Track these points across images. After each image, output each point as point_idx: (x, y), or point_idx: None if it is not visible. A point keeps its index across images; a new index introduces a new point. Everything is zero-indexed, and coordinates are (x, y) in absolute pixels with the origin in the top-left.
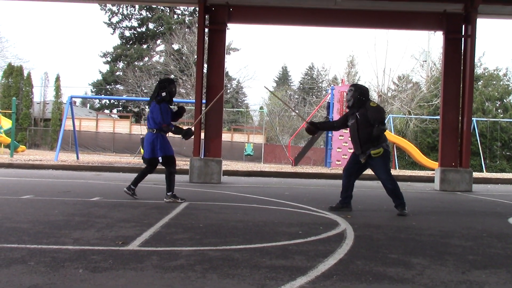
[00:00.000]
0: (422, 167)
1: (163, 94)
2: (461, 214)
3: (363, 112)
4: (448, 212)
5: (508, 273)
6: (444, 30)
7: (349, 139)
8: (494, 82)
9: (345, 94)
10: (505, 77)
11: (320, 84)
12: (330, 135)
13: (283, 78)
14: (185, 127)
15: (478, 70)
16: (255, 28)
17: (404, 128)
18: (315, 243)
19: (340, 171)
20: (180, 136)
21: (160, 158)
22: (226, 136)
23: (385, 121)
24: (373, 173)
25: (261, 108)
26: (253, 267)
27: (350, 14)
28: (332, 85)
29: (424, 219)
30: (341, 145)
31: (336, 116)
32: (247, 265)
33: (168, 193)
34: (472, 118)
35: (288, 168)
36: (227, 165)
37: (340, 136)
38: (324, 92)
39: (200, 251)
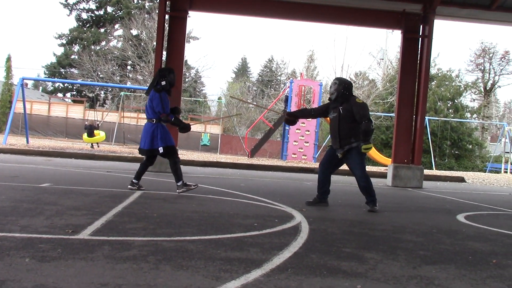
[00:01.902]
0: (376, 163)
1: (163, 83)
2: (412, 210)
3: (347, 107)
4: (400, 208)
5: (457, 269)
6: (402, 30)
7: (306, 132)
8: (446, 83)
9: (329, 89)
10: (457, 78)
11: (279, 77)
12: (287, 128)
13: (242, 70)
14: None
15: (432, 71)
16: (216, 17)
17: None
18: (270, 235)
19: (296, 164)
20: (177, 128)
21: (160, 149)
22: None
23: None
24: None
25: (219, 98)
26: (208, 259)
27: (312, 8)
28: (291, 78)
29: (377, 214)
30: (298, 138)
31: (294, 110)
32: (201, 256)
33: (178, 184)
34: (425, 117)
35: (244, 160)
36: (183, 154)
37: (297, 129)
38: (282, 85)
39: (153, 241)
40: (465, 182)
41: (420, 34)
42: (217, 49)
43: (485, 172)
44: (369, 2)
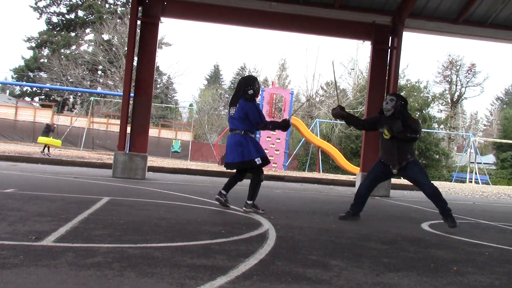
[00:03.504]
0: (345, 172)
1: (250, 92)
2: (378, 218)
3: (403, 122)
4: (367, 216)
5: (419, 276)
6: (372, 41)
7: (277, 140)
8: (415, 94)
9: (384, 103)
10: (425, 89)
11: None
12: (258, 136)
13: (215, 77)
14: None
15: (402, 81)
16: (189, 24)
17: (329, 133)
18: (238, 243)
19: (266, 172)
20: (280, 129)
21: (257, 160)
22: (153, 132)
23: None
24: (293, 175)
25: (190, 105)
26: (173, 266)
27: (284, 17)
28: (262, 87)
29: (344, 222)
30: (268, 146)
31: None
32: (167, 263)
33: (248, 202)
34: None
35: (214, 167)
36: (152, 161)
37: (267, 137)
38: None
39: (119, 248)
40: None
41: (389, 45)
42: (190, 55)
43: (451, 181)
44: (340, 13)
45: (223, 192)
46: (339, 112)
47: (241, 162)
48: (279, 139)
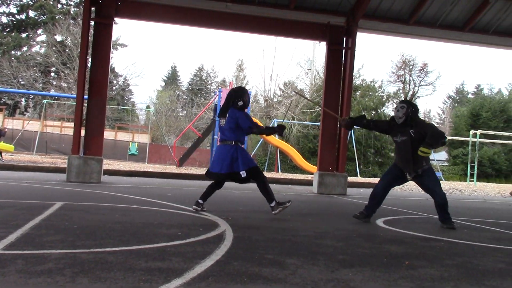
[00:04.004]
0: (303, 171)
1: (240, 103)
2: (335, 216)
3: (419, 130)
4: (324, 214)
5: (372, 271)
6: (327, 41)
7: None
8: (370, 93)
9: (395, 111)
10: (380, 89)
11: (209, 86)
12: (216, 137)
13: (172, 78)
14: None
15: (357, 81)
16: (145, 24)
17: (287, 133)
18: (194, 244)
19: None
20: (274, 134)
21: (243, 173)
22: (109, 134)
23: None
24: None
25: (147, 107)
26: (128, 270)
27: (240, 18)
28: (220, 87)
29: (301, 221)
30: None
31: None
32: (121, 267)
33: (272, 205)
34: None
35: (172, 169)
36: (108, 164)
37: None
38: (213, 94)
39: (71, 254)
40: None
41: (344, 46)
42: (146, 56)
43: None
44: (296, 13)
45: (200, 201)
46: (345, 125)
47: (228, 173)
48: None
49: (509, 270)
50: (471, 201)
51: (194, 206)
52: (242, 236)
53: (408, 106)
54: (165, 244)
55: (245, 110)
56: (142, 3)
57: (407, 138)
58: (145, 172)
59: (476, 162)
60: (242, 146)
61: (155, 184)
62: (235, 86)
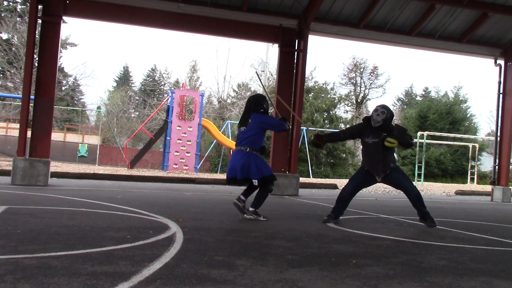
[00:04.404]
0: None
1: (261, 111)
2: (286, 217)
3: (390, 132)
4: (275, 215)
5: (320, 271)
6: (279, 43)
7: (188, 143)
8: (322, 95)
9: (375, 114)
10: (332, 91)
11: (162, 87)
12: (168, 138)
13: (124, 78)
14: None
15: (310, 83)
16: (95, 23)
17: None
18: (143, 247)
19: (177, 175)
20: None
21: (255, 182)
22: (58, 136)
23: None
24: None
25: (98, 107)
26: (73, 275)
27: (193, 19)
28: (172, 88)
29: (251, 222)
30: (179, 148)
31: (175, 120)
32: (65, 272)
33: (251, 209)
34: (302, 128)
35: (123, 171)
36: (57, 166)
37: (178, 139)
38: (166, 95)
39: (13, 259)
40: (338, 188)
41: (296, 48)
42: (98, 56)
43: None
44: (248, 15)
45: (243, 198)
46: (316, 142)
47: (241, 179)
48: (190, 141)
49: (450, 266)
50: None
51: (235, 200)
52: (192, 238)
53: (387, 112)
54: (112, 247)
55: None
56: (91, 1)
57: (379, 140)
58: (95, 174)
59: (423, 163)
60: (257, 153)
61: (105, 186)
62: (254, 94)
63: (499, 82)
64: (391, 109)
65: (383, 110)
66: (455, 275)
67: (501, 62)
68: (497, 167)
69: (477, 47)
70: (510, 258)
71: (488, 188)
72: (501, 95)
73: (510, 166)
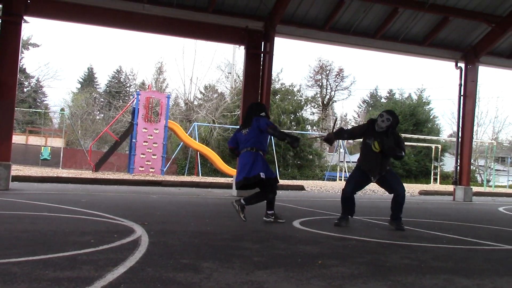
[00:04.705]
0: (224, 174)
1: (263, 114)
2: (253, 219)
3: (391, 138)
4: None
5: (286, 272)
6: (246, 45)
7: (154, 145)
8: (289, 97)
9: (380, 119)
10: (298, 93)
11: (127, 89)
12: (134, 140)
13: (89, 80)
14: None
15: (276, 85)
16: (59, 24)
17: (208, 136)
18: (107, 251)
19: (143, 178)
20: (287, 142)
21: (262, 174)
22: (20, 139)
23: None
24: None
25: (62, 110)
26: (33, 281)
27: (158, 20)
28: (137, 90)
29: (219, 224)
30: (145, 151)
31: (141, 122)
32: (26, 279)
33: (242, 201)
34: None
35: (88, 174)
36: (18, 170)
37: (144, 142)
38: (131, 97)
39: None
40: (305, 190)
41: (262, 50)
42: (61, 57)
43: (323, 180)
44: (214, 17)
45: (269, 212)
46: (329, 139)
47: (245, 178)
48: (156, 143)
49: (413, 265)
50: (383, 200)
51: (264, 218)
52: (158, 241)
53: (394, 119)
54: (76, 252)
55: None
56: (54, 1)
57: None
58: (59, 177)
59: None
60: (262, 154)
61: (69, 190)
62: (255, 102)
63: (460, 85)
64: (397, 116)
65: (389, 117)
66: (417, 273)
67: (462, 65)
68: (458, 167)
69: (438, 50)
70: (471, 256)
71: (450, 188)
72: (462, 97)
73: (472, 167)
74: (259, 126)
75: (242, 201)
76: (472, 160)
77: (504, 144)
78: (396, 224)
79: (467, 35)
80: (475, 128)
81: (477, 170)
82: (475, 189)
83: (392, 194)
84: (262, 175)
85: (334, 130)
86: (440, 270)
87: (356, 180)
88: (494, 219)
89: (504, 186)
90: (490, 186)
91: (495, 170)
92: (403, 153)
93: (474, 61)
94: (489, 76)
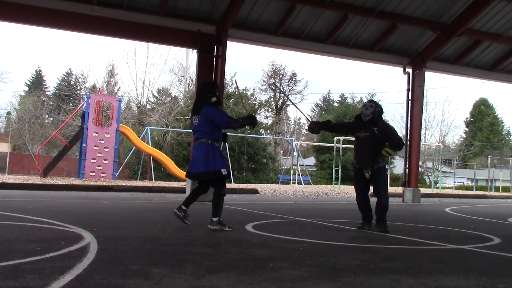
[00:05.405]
0: (178, 178)
1: (214, 99)
2: (206, 223)
3: (381, 129)
4: (195, 221)
5: (237, 275)
6: (198, 49)
7: (105, 149)
8: (243, 101)
9: (363, 108)
10: (252, 97)
11: (78, 92)
12: (84, 145)
13: (37, 82)
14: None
15: (230, 89)
16: (5, 25)
17: (161, 140)
18: (53, 259)
19: (94, 183)
20: (248, 125)
21: (223, 171)
22: None
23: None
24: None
25: (8, 113)
26: None
27: (108, 22)
28: (88, 93)
29: (171, 229)
30: (96, 155)
31: (91, 126)
32: None
33: (214, 218)
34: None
35: (36, 180)
36: None
37: (95, 146)
38: (81, 100)
39: None
40: (259, 193)
41: (215, 54)
42: (7, 59)
43: (277, 183)
44: (166, 20)
45: (183, 207)
46: (312, 128)
47: (204, 172)
48: (107, 147)
49: (363, 266)
50: (335, 203)
51: (174, 210)
52: (108, 248)
53: (376, 106)
54: (20, 260)
55: (220, 107)
56: None
57: (370, 134)
58: (4, 183)
59: (340, 166)
60: (218, 145)
61: (15, 196)
62: (206, 81)
63: (408, 89)
64: (379, 104)
65: (371, 103)
66: (366, 274)
67: (409, 70)
68: (407, 169)
69: (387, 56)
70: (418, 256)
71: (400, 189)
72: (409, 102)
73: (420, 169)
74: (214, 121)
75: (214, 219)
76: (420, 163)
77: (450, 147)
78: (381, 227)
79: (414, 41)
80: (423, 131)
81: (425, 172)
82: (423, 190)
83: (376, 198)
84: (224, 171)
85: (319, 121)
86: (388, 270)
87: (359, 183)
88: (440, 219)
89: (451, 188)
90: (438, 188)
91: (442, 172)
92: (403, 142)
93: (421, 67)
94: (436, 81)
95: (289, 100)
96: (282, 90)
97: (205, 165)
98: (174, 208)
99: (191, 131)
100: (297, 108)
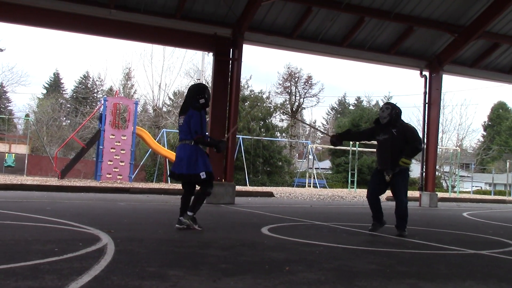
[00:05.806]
0: None
1: (202, 101)
2: (221, 225)
3: (400, 130)
4: (211, 223)
5: (253, 279)
6: (214, 52)
7: (122, 151)
8: (258, 104)
9: (380, 111)
10: (267, 100)
11: (95, 94)
12: (101, 147)
13: (55, 85)
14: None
15: (246, 92)
16: (25, 28)
17: (177, 142)
18: (71, 260)
19: (111, 185)
20: (214, 148)
21: (202, 174)
22: None
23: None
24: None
25: (26, 115)
26: None
27: (125, 26)
28: (105, 96)
29: (186, 232)
30: (113, 157)
31: (108, 128)
32: None
33: (189, 213)
34: (238, 136)
35: (54, 181)
36: None
37: (112, 148)
38: (98, 103)
39: None
40: (274, 196)
41: (231, 57)
42: (26, 62)
43: (292, 186)
44: (183, 23)
45: (181, 219)
46: (334, 142)
47: (187, 174)
48: (123, 150)
49: (379, 270)
50: (351, 207)
51: (176, 226)
52: (124, 249)
53: (392, 108)
54: (38, 261)
55: (206, 109)
56: (17, 5)
57: (389, 137)
58: (23, 185)
59: (356, 170)
60: (202, 147)
61: (33, 198)
62: (196, 83)
63: (425, 93)
64: (396, 105)
65: (387, 106)
66: (383, 278)
67: (426, 73)
68: (424, 173)
69: (404, 59)
70: (435, 261)
71: (416, 193)
72: (427, 105)
73: (437, 173)
74: (189, 124)
75: (188, 213)
76: (437, 167)
77: (468, 151)
78: (399, 231)
79: (431, 44)
80: (440, 135)
81: (442, 176)
82: (440, 194)
83: (395, 202)
84: (203, 175)
85: (341, 132)
86: (405, 275)
87: (373, 181)
88: (458, 224)
89: (468, 192)
90: (455, 192)
91: (460, 176)
92: (421, 145)
93: (438, 70)
94: (453, 84)
95: (315, 128)
96: (306, 122)
97: (186, 167)
98: (176, 224)
99: None
100: (319, 130)
